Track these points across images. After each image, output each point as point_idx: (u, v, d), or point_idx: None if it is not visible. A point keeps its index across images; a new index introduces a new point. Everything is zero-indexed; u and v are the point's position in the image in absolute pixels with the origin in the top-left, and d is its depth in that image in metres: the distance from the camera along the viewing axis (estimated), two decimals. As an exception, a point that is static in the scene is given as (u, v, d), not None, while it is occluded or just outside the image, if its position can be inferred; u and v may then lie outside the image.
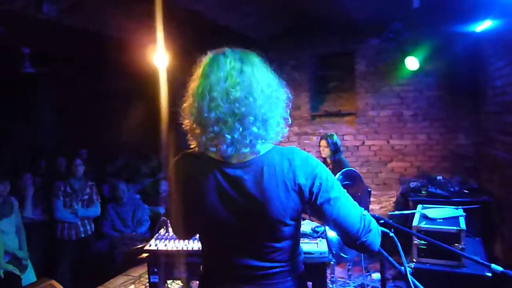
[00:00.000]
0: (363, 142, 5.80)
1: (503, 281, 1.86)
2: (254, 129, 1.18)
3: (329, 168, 4.42)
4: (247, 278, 1.29)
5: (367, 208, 1.74)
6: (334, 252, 1.57)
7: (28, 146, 6.27)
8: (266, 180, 1.19)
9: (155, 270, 2.53)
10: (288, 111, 1.31)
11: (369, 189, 4.55)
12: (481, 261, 1.79)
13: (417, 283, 1.39)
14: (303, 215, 1.55)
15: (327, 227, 1.46)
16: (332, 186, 1.24)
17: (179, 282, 3.15)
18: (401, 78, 5.49)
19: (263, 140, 1.22)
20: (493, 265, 1.74)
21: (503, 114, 3.91)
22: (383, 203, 5.68)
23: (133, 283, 3.83)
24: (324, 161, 4.59)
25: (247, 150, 1.19)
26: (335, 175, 4.45)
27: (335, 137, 4.45)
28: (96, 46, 5.19)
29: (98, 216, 4.58)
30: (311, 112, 6.10)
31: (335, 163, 4.41)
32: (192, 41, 4.75)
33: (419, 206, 3.25)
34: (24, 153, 5.88)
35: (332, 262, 2.98)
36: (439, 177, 5.03)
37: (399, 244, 1.53)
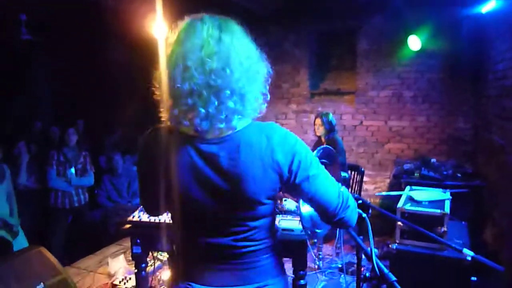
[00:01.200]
0: (361, 122, 5.75)
1: (480, 265, 1.87)
2: (231, 104, 1.11)
3: (323, 147, 4.44)
4: (222, 257, 1.26)
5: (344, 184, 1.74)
6: (305, 227, 1.57)
7: (23, 116, 6.28)
8: (242, 157, 1.14)
9: (138, 241, 2.56)
10: (267, 86, 1.25)
11: (362, 169, 4.54)
12: (453, 245, 1.80)
13: (381, 265, 1.39)
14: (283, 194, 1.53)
15: (300, 203, 1.43)
16: (311, 163, 1.21)
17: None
18: (403, 58, 5.38)
19: (240, 116, 1.15)
20: (464, 250, 1.75)
21: (502, 98, 3.84)
22: (378, 183, 5.68)
23: (124, 253, 3.91)
24: (319, 139, 4.57)
25: (222, 125, 1.13)
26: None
27: (331, 116, 4.42)
28: (92, 16, 5.12)
29: (91, 185, 4.62)
30: (310, 89, 6.04)
31: (330, 141, 4.39)
32: (192, 11, 4.65)
33: (407, 188, 3.25)
34: (19, 121, 5.89)
35: (315, 240, 3.01)
36: (433, 160, 5.01)
37: (369, 226, 1.54)
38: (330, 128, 4.36)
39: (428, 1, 4.86)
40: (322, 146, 1.57)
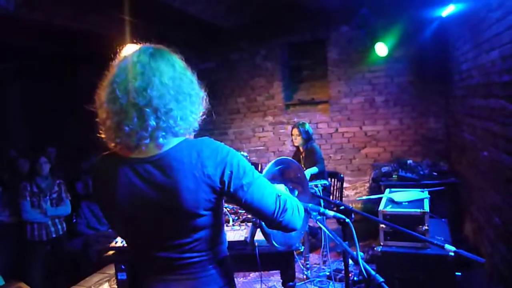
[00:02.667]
0: (337, 130, 5.85)
1: (463, 259, 1.91)
2: (152, 122, 1.17)
3: (302, 156, 4.49)
4: (170, 268, 1.31)
5: (308, 184, 1.76)
6: (267, 237, 1.57)
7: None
8: (174, 174, 1.19)
9: (122, 267, 2.50)
10: (201, 108, 1.30)
11: (342, 176, 4.60)
12: (435, 242, 1.84)
13: (368, 267, 1.41)
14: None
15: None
16: (245, 171, 1.24)
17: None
18: (372, 64, 5.55)
19: (164, 133, 1.20)
20: (446, 246, 1.79)
21: (469, 97, 3.99)
22: (358, 188, 5.76)
23: (108, 281, 3.80)
24: (297, 149, 4.62)
25: (147, 141, 1.19)
26: (308, 164, 4.47)
27: (307, 126, 4.48)
28: (61, 41, 5.06)
29: (69, 214, 4.49)
30: (285, 101, 6.12)
31: (308, 151, 4.44)
32: (162, 33, 4.70)
33: (387, 190, 3.31)
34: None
35: (301, 250, 3.01)
36: (410, 161, 5.13)
37: (353, 230, 1.57)
38: (307, 138, 4.42)
39: (391, 8, 5.04)
40: (273, 160, 1.61)
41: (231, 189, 1.23)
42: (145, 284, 1.37)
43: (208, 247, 1.31)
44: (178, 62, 1.28)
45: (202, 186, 1.20)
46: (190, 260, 1.29)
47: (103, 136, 1.26)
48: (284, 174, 1.36)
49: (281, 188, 1.49)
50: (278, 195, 1.29)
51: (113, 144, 1.24)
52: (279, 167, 1.48)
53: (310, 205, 1.59)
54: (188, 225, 1.24)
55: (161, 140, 1.20)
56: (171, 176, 1.19)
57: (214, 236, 1.33)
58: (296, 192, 1.63)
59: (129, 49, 1.28)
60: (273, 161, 1.56)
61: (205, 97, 1.33)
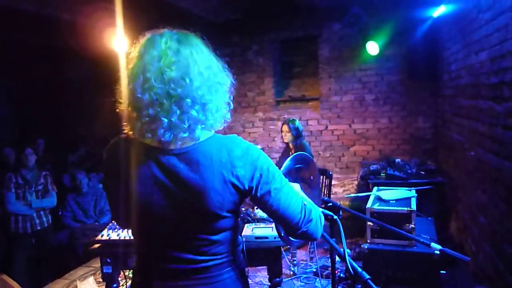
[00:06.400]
0: (327, 127, 5.87)
1: (448, 258, 1.94)
2: (193, 113, 1.11)
3: (291, 153, 4.49)
4: (182, 272, 1.23)
5: (320, 190, 1.76)
6: (282, 235, 1.57)
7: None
8: (202, 170, 1.13)
9: (108, 260, 2.48)
10: (231, 97, 1.26)
11: (330, 173, 4.62)
12: (421, 240, 1.86)
13: (354, 264, 1.42)
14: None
15: None
16: (274, 177, 1.21)
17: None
18: (363, 63, 5.56)
19: (203, 125, 1.15)
20: (432, 244, 1.81)
21: (458, 97, 4.03)
22: (346, 186, 5.79)
23: (93, 274, 3.77)
24: (287, 145, 4.62)
25: (185, 135, 1.12)
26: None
27: (297, 122, 4.48)
28: (50, 31, 4.97)
29: (54, 206, 4.43)
30: (276, 97, 6.12)
31: (297, 148, 4.44)
32: (152, 25, 4.63)
33: (375, 188, 3.33)
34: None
35: (288, 246, 3.02)
36: (398, 160, 5.17)
37: (341, 227, 1.57)
38: (297, 134, 4.42)
39: (383, 7, 5.05)
40: (294, 154, 1.59)
41: (258, 193, 1.19)
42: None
43: (224, 251, 1.26)
44: (204, 47, 1.21)
45: (229, 186, 1.16)
46: (206, 264, 1.23)
47: (127, 129, 1.18)
48: (301, 172, 1.33)
49: (297, 188, 1.46)
50: (304, 204, 1.26)
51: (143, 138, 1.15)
52: (297, 165, 1.46)
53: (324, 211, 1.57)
54: (209, 226, 1.19)
55: (197, 132, 1.15)
56: (198, 172, 1.14)
57: (233, 238, 1.28)
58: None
59: (151, 36, 1.19)
60: (292, 157, 1.53)
61: (231, 83, 1.27)
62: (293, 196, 1.25)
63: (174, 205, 1.16)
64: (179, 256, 1.22)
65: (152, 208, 1.17)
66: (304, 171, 1.63)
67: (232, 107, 1.26)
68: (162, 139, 1.12)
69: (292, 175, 1.54)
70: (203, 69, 1.15)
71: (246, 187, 1.17)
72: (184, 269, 1.23)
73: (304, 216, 1.24)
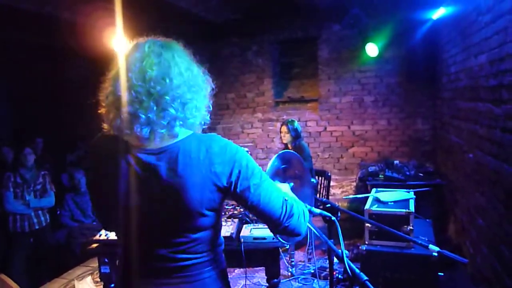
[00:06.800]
0: (325, 128, 5.88)
1: (446, 260, 1.94)
2: (172, 110, 1.14)
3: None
4: (162, 270, 1.24)
5: (313, 189, 1.76)
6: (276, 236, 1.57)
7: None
8: (180, 168, 1.15)
9: (106, 260, 2.48)
10: (210, 101, 1.29)
11: (329, 174, 4.62)
12: (419, 242, 1.86)
13: (352, 265, 1.42)
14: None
15: None
16: (253, 172, 1.21)
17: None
18: (362, 64, 5.57)
19: (181, 123, 1.17)
20: (430, 246, 1.81)
21: (456, 99, 4.03)
22: (344, 187, 5.80)
23: (91, 274, 3.77)
24: (285, 146, 4.62)
25: (163, 131, 1.14)
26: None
27: (296, 123, 4.48)
28: (49, 31, 4.97)
29: (52, 206, 4.43)
30: (275, 98, 6.12)
31: (296, 148, 4.44)
32: (152, 25, 4.65)
33: (373, 190, 3.34)
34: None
35: (286, 247, 3.02)
36: (396, 161, 5.18)
37: (339, 228, 1.57)
38: (296, 135, 4.42)
39: (383, 9, 5.06)
40: (279, 153, 1.58)
41: (238, 190, 1.19)
42: (132, 286, 1.28)
43: (204, 249, 1.26)
44: (186, 54, 1.26)
45: (208, 184, 1.16)
46: (186, 262, 1.24)
47: (106, 127, 1.21)
48: (287, 172, 1.34)
49: (285, 187, 1.46)
50: (285, 199, 1.26)
51: (123, 136, 1.18)
52: (282, 166, 1.45)
53: (309, 207, 1.56)
54: (188, 224, 1.19)
55: (176, 129, 1.17)
56: (176, 170, 1.15)
57: (213, 237, 1.28)
58: (292, 184, 1.59)
59: (135, 43, 1.24)
60: (275, 157, 1.53)
61: (212, 88, 1.30)
62: (273, 191, 1.25)
63: (153, 202, 1.18)
64: (159, 254, 1.23)
65: (132, 205, 1.19)
66: (290, 170, 1.63)
67: (211, 109, 1.30)
68: (139, 134, 1.14)
69: (280, 175, 1.55)
70: (183, 70, 1.19)
71: (225, 184, 1.18)
72: (164, 267, 1.24)
73: (286, 211, 1.24)
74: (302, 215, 1.30)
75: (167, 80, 1.14)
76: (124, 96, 1.14)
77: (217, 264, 1.32)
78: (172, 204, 1.17)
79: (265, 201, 1.22)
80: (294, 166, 1.63)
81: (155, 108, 1.13)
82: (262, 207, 1.22)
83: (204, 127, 1.28)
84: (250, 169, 1.21)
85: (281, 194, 1.27)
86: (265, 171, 1.37)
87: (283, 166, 1.52)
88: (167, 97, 1.13)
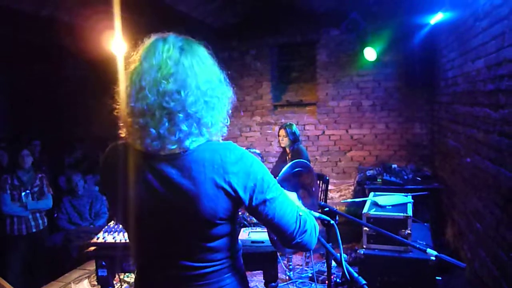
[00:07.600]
0: (323, 132, 5.89)
1: (444, 264, 1.94)
2: (184, 127, 1.09)
3: (288, 157, 4.50)
4: (181, 279, 1.22)
5: (317, 198, 1.76)
6: (274, 240, 1.57)
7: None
8: (194, 176, 1.11)
9: (103, 263, 2.47)
10: (229, 111, 1.25)
11: (327, 178, 4.62)
12: (417, 246, 1.86)
13: (350, 269, 1.42)
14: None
15: None
16: (269, 186, 1.18)
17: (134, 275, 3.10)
18: (361, 68, 5.59)
19: (195, 138, 1.13)
20: (428, 250, 1.80)
21: (454, 104, 4.05)
22: (342, 191, 5.80)
23: (88, 277, 3.75)
24: (283, 150, 4.62)
25: (174, 146, 1.11)
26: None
27: (294, 127, 4.48)
28: (49, 32, 4.97)
29: (50, 208, 4.40)
30: (273, 102, 6.13)
31: (294, 152, 4.45)
32: (151, 29, 4.64)
33: (371, 194, 3.33)
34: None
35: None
36: (394, 165, 5.19)
37: (338, 232, 1.56)
38: (294, 139, 4.43)
39: (381, 14, 5.09)
40: (293, 161, 1.59)
41: (253, 203, 1.16)
42: None
43: (224, 256, 1.24)
44: (208, 58, 1.19)
45: (221, 193, 1.13)
46: (205, 270, 1.21)
47: (123, 132, 1.18)
48: (301, 177, 1.32)
49: (293, 197, 1.44)
50: (299, 214, 1.24)
51: (136, 143, 1.15)
52: (297, 169, 1.45)
53: (308, 210, 1.56)
54: (203, 233, 1.17)
55: (186, 143, 1.13)
56: (190, 178, 1.11)
57: (231, 244, 1.26)
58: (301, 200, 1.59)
59: (155, 39, 1.17)
60: (290, 163, 1.52)
61: (232, 96, 1.25)
62: (288, 206, 1.22)
63: (167, 211, 1.15)
64: (177, 262, 1.20)
65: (147, 214, 1.17)
66: (304, 176, 1.62)
67: (229, 121, 1.25)
68: (149, 148, 1.12)
69: (291, 181, 1.54)
70: (202, 83, 1.12)
71: (240, 196, 1.14)
72: (183, 276, 1.21)
73: (299, 227, 1.22)
74: (314, 230, 1.28)
75: (183, 95, 1.09)
76: (136, 106, 1.10)
77: (237, 270, 1.30)
78: (186, 213, 1.14)
79: (279, 215, 1.19)
80: (309, 174, 1.63)
81: (167, 124, 1.09)
82: (277, 221, 1.20)
83: (221, 138, 1.22)
84: (266, 182, 1.18)
85: (295, 208, 1.24)
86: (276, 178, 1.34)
87: (297, 169, 1.52)
88: (180, 114, 1.09)
